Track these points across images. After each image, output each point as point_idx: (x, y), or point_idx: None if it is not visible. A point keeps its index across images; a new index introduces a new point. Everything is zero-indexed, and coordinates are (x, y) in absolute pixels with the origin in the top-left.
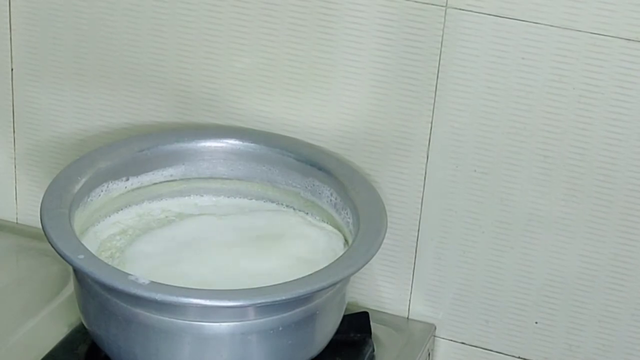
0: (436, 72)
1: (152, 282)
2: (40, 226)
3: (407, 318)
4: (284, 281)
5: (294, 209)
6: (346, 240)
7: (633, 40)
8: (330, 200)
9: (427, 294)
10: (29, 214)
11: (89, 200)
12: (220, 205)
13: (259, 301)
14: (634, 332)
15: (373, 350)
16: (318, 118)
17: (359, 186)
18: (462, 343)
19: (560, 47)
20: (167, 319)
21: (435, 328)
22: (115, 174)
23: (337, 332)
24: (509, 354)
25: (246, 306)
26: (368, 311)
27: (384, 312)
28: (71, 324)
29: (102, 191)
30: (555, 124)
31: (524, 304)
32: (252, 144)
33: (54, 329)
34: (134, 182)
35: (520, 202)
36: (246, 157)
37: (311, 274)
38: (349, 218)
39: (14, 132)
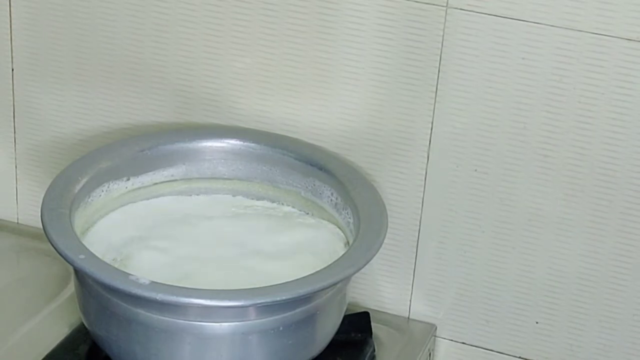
0: (437, 72)
1: (153, 282)
2: (41, 226)
3: (408, 318)
4: (285, 281)
5: (294, 208)
6: (347, 240)
7: (634, 40)
8: (331, 200)
9: (428, 293)
10: (29, 214)
11: (89, 200)
12: (221, 205)
13: (260, 301)
14: (634, 332)
15: (374, 350)
16: (318, 118)
17: (359, 186)
18: (463, 343)
19: (561, 47)
20: (167, 319)
21: (435, 328)
22: (116, 173)
23: (338, 332)
24: (510, 354)
25: (247, 306)
26: (369, 311)
27: (384, 312)
28: (72, 324)
29: (102, 191)
30: (555, 124)
31: (524, 303)
32: (253, 144)
33: (55, 329)
34: (135, 182)
35: (520, 202)
36: (247, 157)
37: (311, 274)
38: (350, 218)
39: (14, 132)
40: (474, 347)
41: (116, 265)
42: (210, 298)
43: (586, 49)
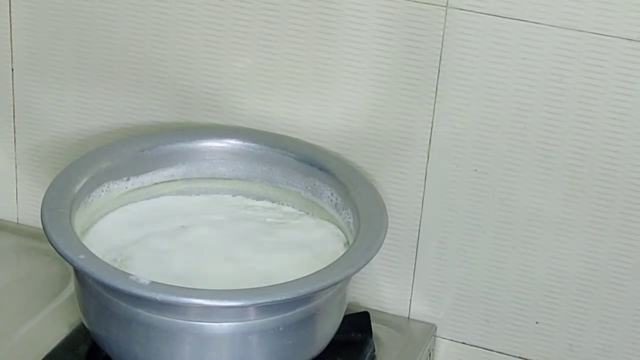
0: (437, 72)
1: (153, 282)
2: (41, 226)
3: (408, 318)
4: (285, 281)
5: (294, 208)
6: (347, 240)
7: (634, 40)
8: (331, 200)
9: (428, 293)
10: (29, 214)
11: (89, 200)
12: (221, 205)
13: (260, 301)
14: (634, 332)
15: (374, 350)
16: (318, 118)
17: (359, 186)
18: (463, 343)
19: (561, 47)
20: (167, 319)
21: (436, 328)
22: (116, 173)
23: (338, 332)
24: (510, 354)
25: (247, 306)
26: (369, 311)
27: (384, 312)
28: (72, 324)
29: (102, 191)
30: (555, 124)
31: (524, 303)
32: (253, 144)
33: (55, 329)
34: (135, 182)
35: (520, 202)
36: (247, 157)
37: (311, 274)
38: (350, 218)
39: (14, 132)
40: (474, 347)
41: (116, 266)
42: (210, 298)
43: (586, 49)
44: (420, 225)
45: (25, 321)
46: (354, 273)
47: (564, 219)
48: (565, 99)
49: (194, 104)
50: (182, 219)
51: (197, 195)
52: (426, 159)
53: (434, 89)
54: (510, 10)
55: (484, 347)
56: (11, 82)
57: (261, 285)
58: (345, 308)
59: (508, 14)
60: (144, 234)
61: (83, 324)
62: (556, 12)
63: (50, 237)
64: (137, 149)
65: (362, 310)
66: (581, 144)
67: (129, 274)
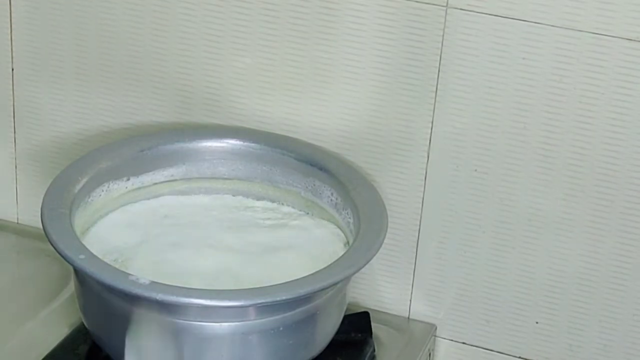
0: (437, 72)
1: (153, 282)
2: (41, 226)
3: (408, 318)
4: (285, 281)
5: (294, 208)
6: (347, 240)
7: (634, 40)
8: (331, 200)
9: (428, 293)
10: (29, 214)
11: (89, 200)
12: (221, 205)
13: (260, 301)
14: (634, 332)
15: (374, 350)
16: (318, 118)
17: (359, 186)
18: (463, 343)
19: (561, 47)
20: (167, 319)
21: (436, 328)
22: (116, 174)
23: (338, 332)
24: (510, 354)
25: (247, 306)
26: (369, 311)
27: (384, 312)
28: (72, 324)
29: (102, 191)
30: (555, 124)
31: (524, 303)
32: (253, 144)
33: (55, 329)
34: (135, 182)
35: (520, 202)
36: (247, 157)
37: (311, 274)
38: (350, 218)
39: (14, 132)
40: (474, 347)
41: (117, 266)
42: (210, 298)
43: (586, 49)
44: (420, 225)
45: (26, 321)
46: (354, 273)
47: (564, 219)
48: (565, 99)
49: (194, 104)
50: (182, 219)
51: (197, 195)
52: (426, 159)
53: (434, 89)
54: (510, 10)
55: (484, 347)
56: (11, 82)
57: (261, 285)
58: (345, 308)
59: (508, 14)
60: (144, 234)
61: (83, 324)
62: (556, 12)
63: (50, 237)
64: (137, 149)
65: (362, 310)
66: (581, 144)
67: (129, 274)
